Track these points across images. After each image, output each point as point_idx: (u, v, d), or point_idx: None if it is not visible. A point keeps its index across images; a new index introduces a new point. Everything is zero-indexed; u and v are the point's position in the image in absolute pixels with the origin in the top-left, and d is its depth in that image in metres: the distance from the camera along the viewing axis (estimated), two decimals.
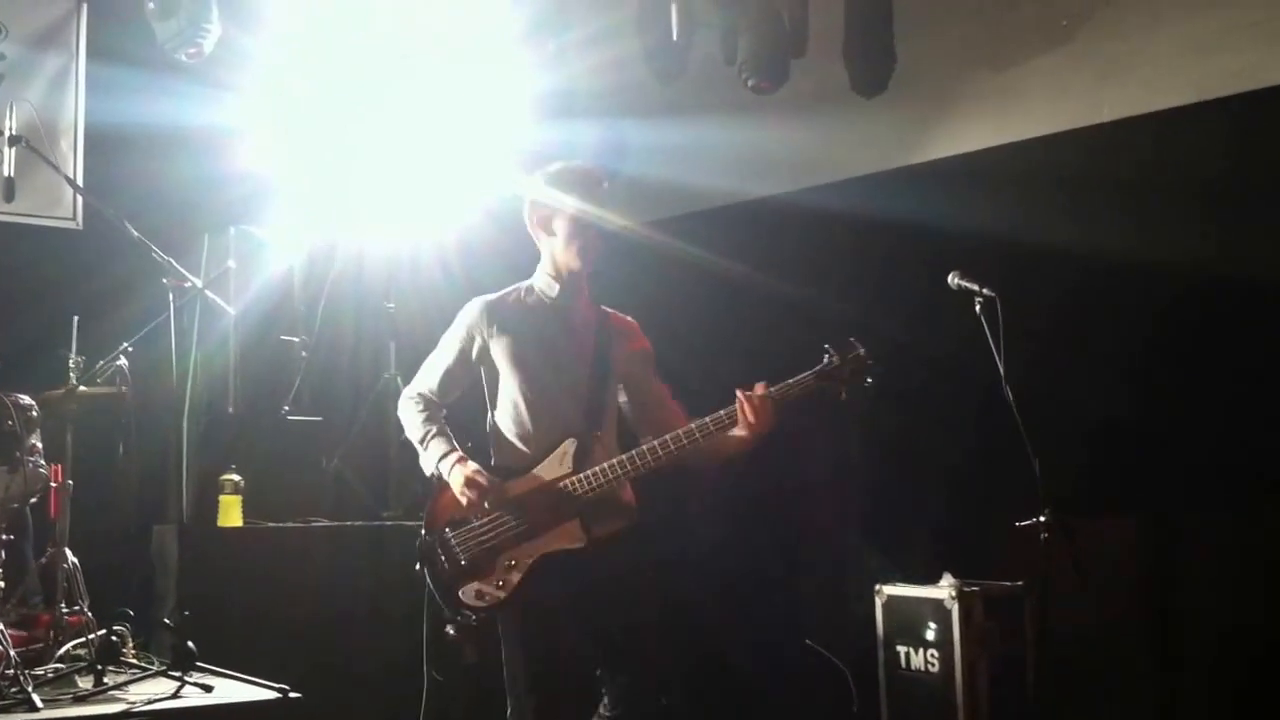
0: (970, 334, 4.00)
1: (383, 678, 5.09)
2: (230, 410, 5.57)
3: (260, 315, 5.72)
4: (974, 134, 5.31)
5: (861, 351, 3.60)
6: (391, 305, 5.94)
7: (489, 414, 3.81)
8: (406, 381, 5.80)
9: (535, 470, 3.65)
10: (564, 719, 3.64)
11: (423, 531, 3.73)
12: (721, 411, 3.58)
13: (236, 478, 5.27)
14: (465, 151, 6.28)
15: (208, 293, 5.00)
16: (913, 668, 4.91)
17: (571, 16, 6.08)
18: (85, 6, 5.89)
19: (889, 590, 5.05)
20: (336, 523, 5.47)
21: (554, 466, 3.63)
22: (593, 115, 6.44)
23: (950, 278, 4.11)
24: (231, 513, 5.23)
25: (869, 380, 3.60)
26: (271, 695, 4.24)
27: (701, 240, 6.07)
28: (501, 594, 3.58)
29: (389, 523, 5.61)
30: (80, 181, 5.67)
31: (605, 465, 3.59)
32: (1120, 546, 5.01)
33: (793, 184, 5.86)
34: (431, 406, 3.81)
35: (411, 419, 3.82)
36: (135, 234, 4.75)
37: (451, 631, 3.77)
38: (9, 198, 4.79)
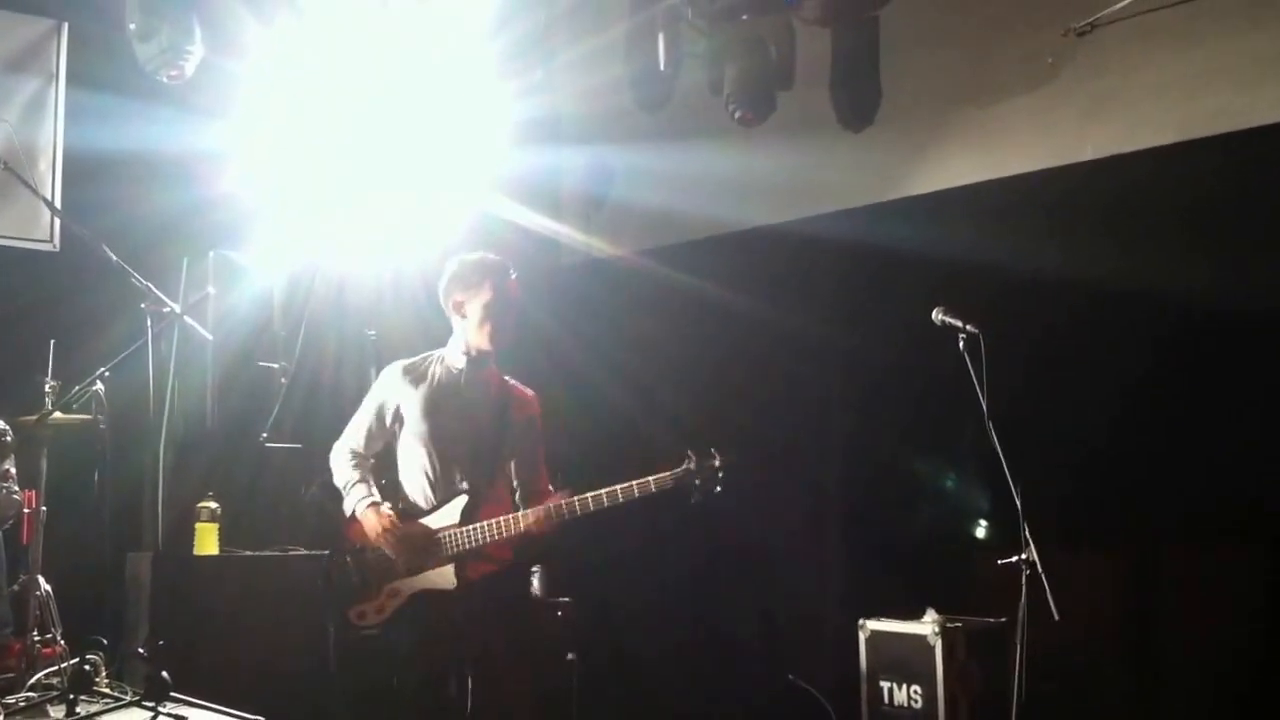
0: (954, 368, 4.00)
1: (359, 709, 5.03)
2: (208, 432, 5.51)
3: (239, 341, 5.68)
4: (959, 169, 5.32)
5: (717, 463, 3.97)
6: (373, 333, 5.89)
7: (398, 461, 4.25)
8: None
9: (428, 519, 4.12)
10: None
11: (328, 554, 4.26)
12: (574, 500, 4.01)
13: (213, 505, 5.21)
14: (449, 177, 6.25)
15: (186, 318, 4.95)
16: (896, 704, 4.88)
17: (558, 43, 6.08)
18: (65, 28, 5.84)
19: (873, 625, 5.04)
20: (315, 552, 5.40)
21: (444, 517, 4.10)
22: (578, 142, 6.43)
23: (934, 314, 4.11)
24: (207, 541, 5.17)
25: (719, 489, 3.99)
26: None
27: (689, 269, 6.06)
28: (380, 618, 4.09)
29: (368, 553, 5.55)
30: (58, 204, 5.60)
31: (479, 526, 4.05)
32: (1104, 579, 5.01)
33: (779, 215, 5.86)
34: (358, 458, 4.26)
35: (340, 468, 4.28)
36: (114, 258, 4.71)
37: None
38: None
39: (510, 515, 4.05)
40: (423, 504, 4.15)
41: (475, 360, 4.22)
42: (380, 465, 4.35)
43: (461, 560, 4.06)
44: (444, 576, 4.07)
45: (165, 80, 5.26)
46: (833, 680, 5.39)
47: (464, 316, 4.19)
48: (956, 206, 5.29)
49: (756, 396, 5.78)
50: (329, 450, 4.34)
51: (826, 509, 5.89)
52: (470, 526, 4.05)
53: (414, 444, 4.17)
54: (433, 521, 4.10)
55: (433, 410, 4.17)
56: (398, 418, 4.21)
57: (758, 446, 5.81)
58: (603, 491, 3.99)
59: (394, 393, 4.22)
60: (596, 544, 6.00)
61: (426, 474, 4.15)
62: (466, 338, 4.20)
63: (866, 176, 5.56)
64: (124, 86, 5.46)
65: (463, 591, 4.05)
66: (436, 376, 4.22)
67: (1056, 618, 3.82)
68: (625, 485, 3.96)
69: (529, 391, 4.35)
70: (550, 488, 4.21)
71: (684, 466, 3.99)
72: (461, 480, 4.12)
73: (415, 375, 4.23)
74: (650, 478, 3.98)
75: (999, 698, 4.64)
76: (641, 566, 6.03)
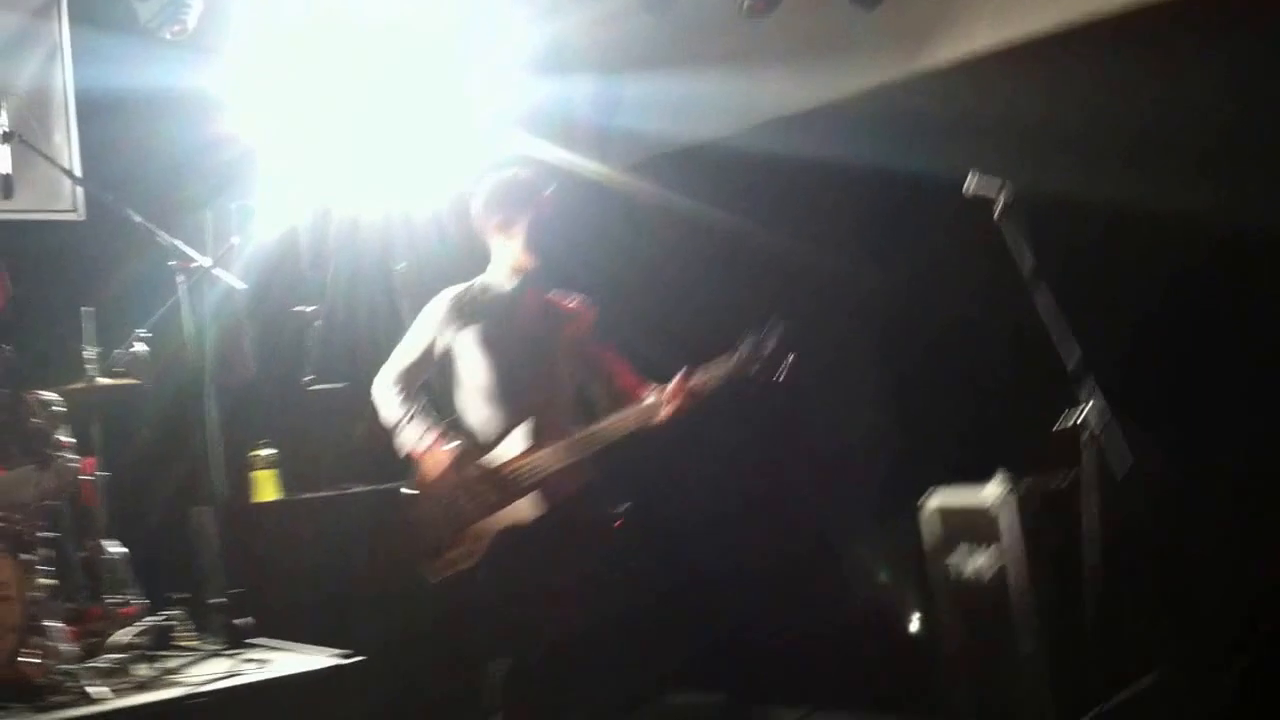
0: (996, 251, 3.91)
1: (440, 632, 5.04)
2: (251, 381, 5.52)
3: (270, 289, 5.68)
4: (977, 35, 5.16)
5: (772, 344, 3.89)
6: (402, 265, 5.89)
7: (455, 395, 4.21)
8: None
9: (497, 450, 4.05)
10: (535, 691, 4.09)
11: (404, 502, 4.17)
12: (645, 403, 3.99)
13: (269, 451, 5.23)
14: (460, 110, 6.18)
15: (216, 270, 4.93)
16: (966, 576, 4.70)
17: None
18: None
19: (937, 498, 4.82)
20: (373, 487, 5.40)
21: (513, 446, 4.03)
22: (586, 69, 6.32)
23: (967, 184, 4.00)
24: (267, 487, 5.21)
25: (779, 378, 3.91)
26: (333, 662, 4.22)
27: (688, 182, 5.92)
28: (470, 562, 4.02)
29: None
30: (78, 172, 5.53)
31: (549, 450, 3.98)
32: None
33: (792, 106, 5.72)
34: (407, 389, 4.19)
35: (388, 402, 4.21)
36: (138, 219, 4.68)
37: None
38: (8, 194, 4.63)
39: (580, 435, 3.98)
40: (486, 431, 4.11)
41: (523, 280, 4.19)
42: (435, 399, 4.31)
43: (541, 487, 4.01)
44: (526, 507, 4.02)
45: (168, 37, 5.24)
46: (899, 558, 5.30)
47: (510, 236, 4.16)
48: (981, 74, 5.12)
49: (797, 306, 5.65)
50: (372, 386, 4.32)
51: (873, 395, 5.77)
52: (542, 451, 3.99)
53: (471, 372, 4.14)
54: (501, 454, 4.05)
55: (489, 336, 4.13)
56: (448, 349, 4.16)
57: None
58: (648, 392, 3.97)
59: (446, 323, 4.17)
60: (652, 465, 5.97)
61: (486, 401, 4.11)
62: (512, 258, 4.18)
63: (881, 54, 5.40)
64: (130, 28, 5.40)
65: (549, 518, 4.01)
66: (487, 304, 4.18)
67: (1119, 478, 3.79)
68: (698, 379, 3.90)
69: (575, 303, 4.31)
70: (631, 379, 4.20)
71: (738, 353, 3.90)
72: (525, 406, 4.05)
73: (465, 304, 4.19)
74: (708, 375, 3.91)
75: (1072, 560, 4.55)
76: (701, 484, 5.92)
